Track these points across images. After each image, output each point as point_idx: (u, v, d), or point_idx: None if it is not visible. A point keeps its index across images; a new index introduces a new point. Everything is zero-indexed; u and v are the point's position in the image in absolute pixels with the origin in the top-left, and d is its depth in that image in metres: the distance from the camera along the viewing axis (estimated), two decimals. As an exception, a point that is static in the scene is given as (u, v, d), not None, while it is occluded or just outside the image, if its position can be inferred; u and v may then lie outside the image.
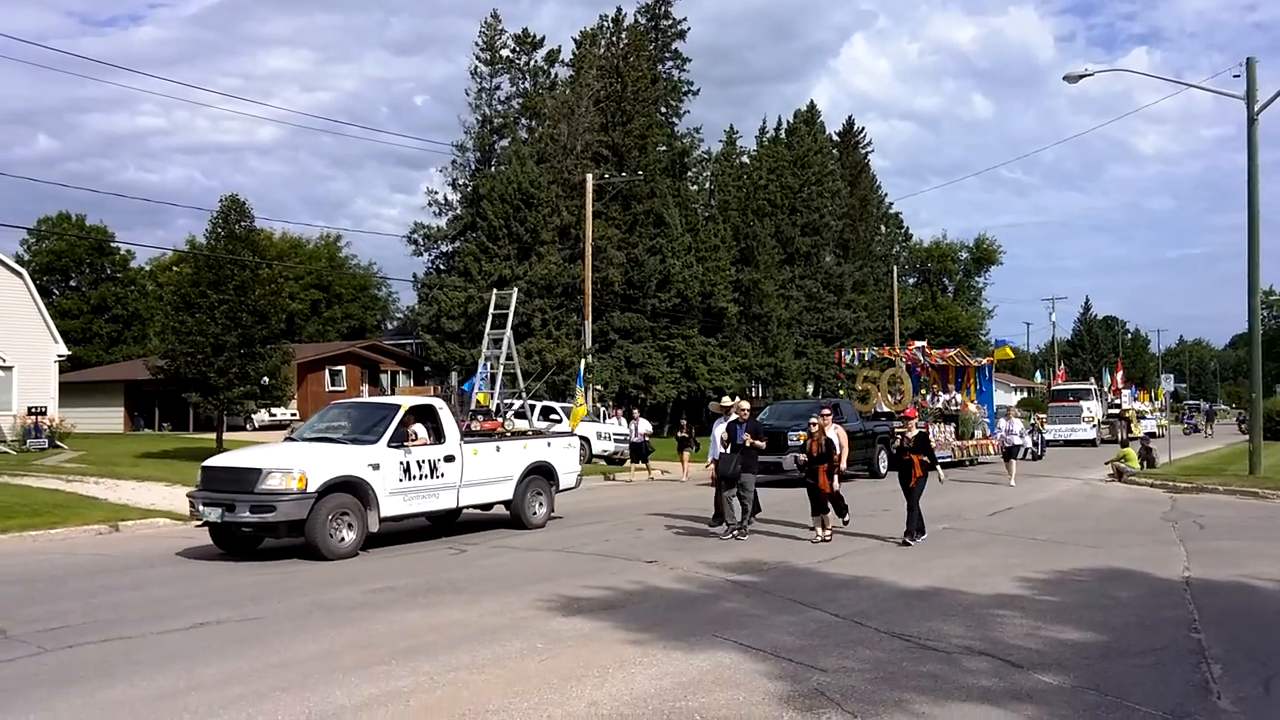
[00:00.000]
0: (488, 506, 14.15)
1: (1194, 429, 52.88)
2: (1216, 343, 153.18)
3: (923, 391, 27.97)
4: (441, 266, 45.01)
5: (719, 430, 14.18)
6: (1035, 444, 30.85)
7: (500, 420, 16.65)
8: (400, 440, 12.32)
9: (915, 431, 13.06)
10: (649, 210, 40.71)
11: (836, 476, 12.94)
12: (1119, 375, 46.59)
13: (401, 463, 12.21)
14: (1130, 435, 39.63)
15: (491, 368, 21.00)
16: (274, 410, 40.79)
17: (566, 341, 35.03)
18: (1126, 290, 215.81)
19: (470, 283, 35.31)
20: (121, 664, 6.94)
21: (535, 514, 14.24)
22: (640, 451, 24.78)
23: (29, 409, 28.73)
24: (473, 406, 18.50)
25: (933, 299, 78.91)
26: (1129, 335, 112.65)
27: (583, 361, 21.34)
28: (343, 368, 49.65)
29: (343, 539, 11.45)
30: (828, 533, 12.65)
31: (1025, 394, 72.29)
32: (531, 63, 45.12)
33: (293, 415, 44.53)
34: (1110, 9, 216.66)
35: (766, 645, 7.25)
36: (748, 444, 12.93)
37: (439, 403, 13.47)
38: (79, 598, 9.39)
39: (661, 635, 7.56)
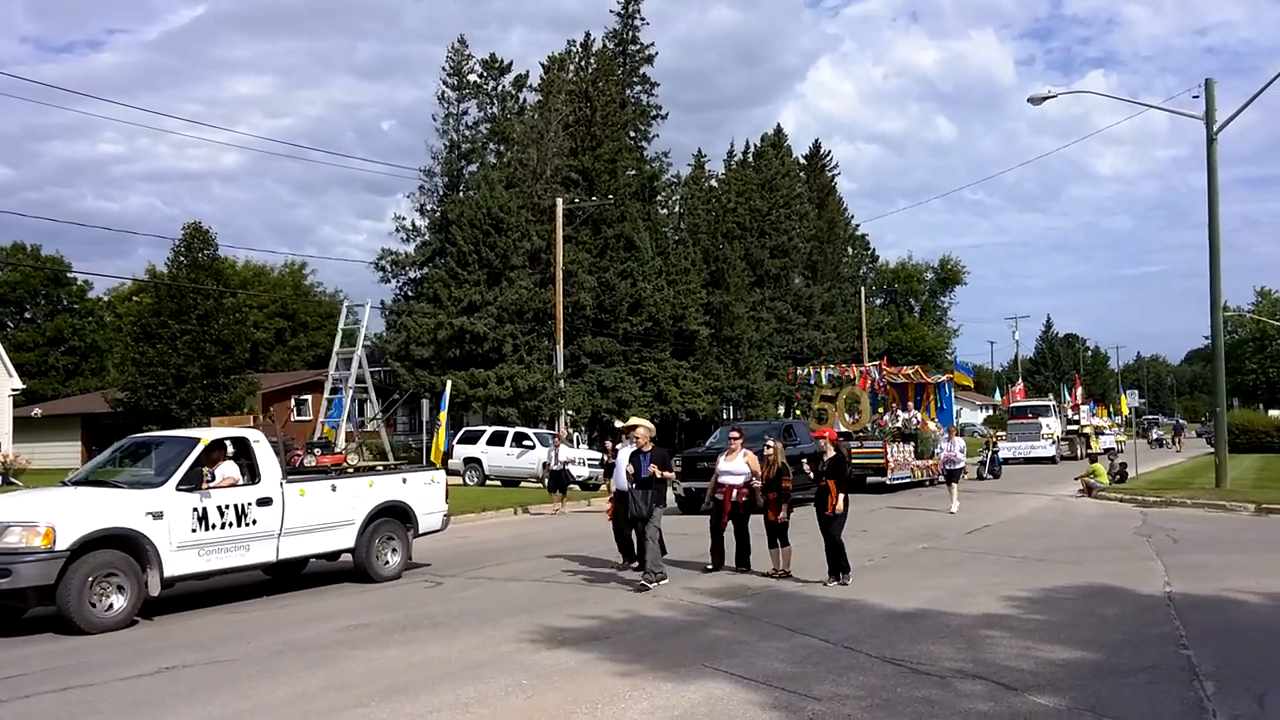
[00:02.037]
0: (331, 556, 12.07)
1: (1159, 443, 53.44)
2: (1173, 359, 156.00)
3: (880, 410, 27.45)
4: (410, 293, 44.63)
5: (623, 457, 12.27)
6: (988, 462, 30.62)
7: (344, 453, 14.15)
8: (195, 482, 10.22)
9: (831, 454, 11.35)
10: (619, 234, 40.68)
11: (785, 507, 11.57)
12: (1078, 391, 46.59)
13: (196, 509, 10.10)
14: (1089, 451, 39.80)
15: (339, 391, 17.66)
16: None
17: (538, 367, 34.79)
18: (1087, 308, 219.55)
19: (440, 309, 34.99)
20: (84, 714, 6.64)
21: (385, 564, 12.15)
22: (560, 480, 22.06)
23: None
24: (317, 436, 16.38)
25: (900, 319, 79.54)
26: (1089, 352, 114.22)
27: (448, 384, 18.74)
28: (309, 396, 48.96)
29: (110, 606, 9.39)
30: (787, 567, 11.58)
31: (991, 411, 72.92)
32: (499, 88, 45.07)
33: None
34: (1067, 33, 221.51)
35: (758, 674, 7.10)
36: (656, 476, 11.10)
37: (255, 434, 11.18)
38: (36, 642, 9.03)
39: (650, 666, 7.38)
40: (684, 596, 10.41)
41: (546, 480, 23.28)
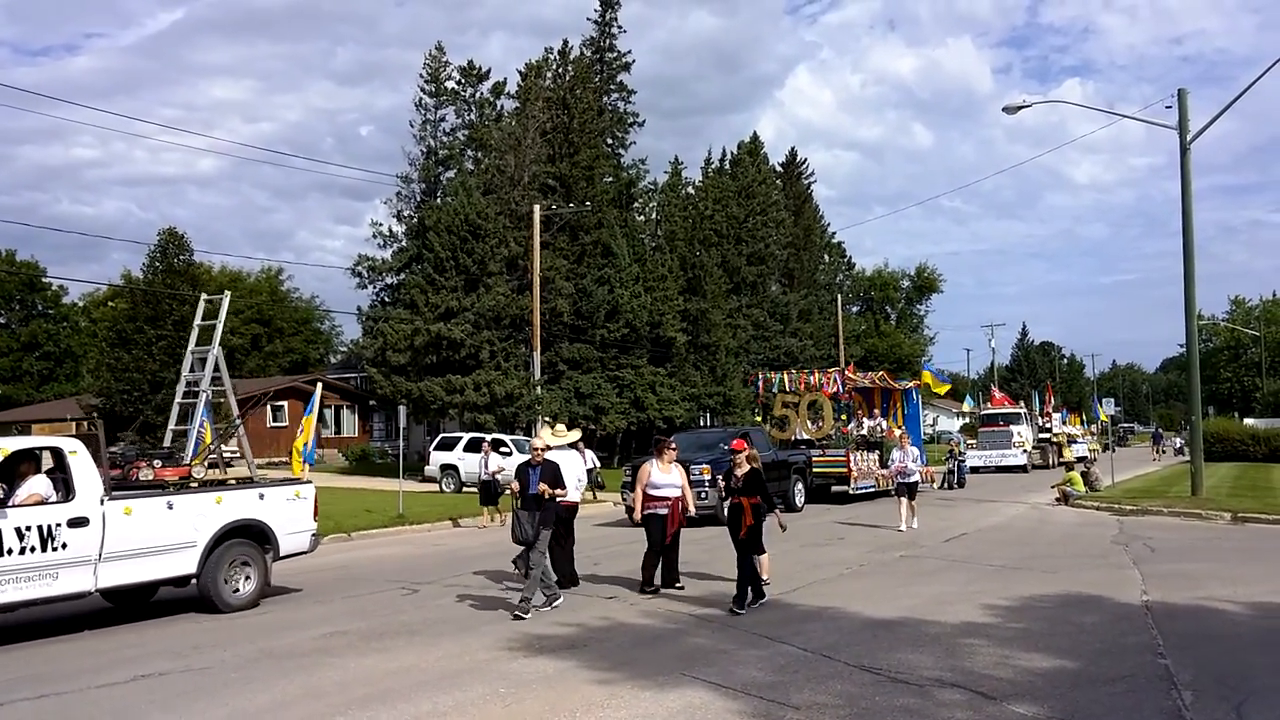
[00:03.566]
0: (182, 582, 10.57)
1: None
2: (1148, 366, 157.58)
3: (843, 417, 26.63)
4: (387, 299, 44.40)
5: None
6: (955, 472, 30.21)
7: (189, 465, 12.38)
8: None
9: (746, 469, 10.47)
10: (597, 241, 40.67)
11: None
12: (1049, 399, 46.29)
13: None
14: (1061, 460, 39.81)
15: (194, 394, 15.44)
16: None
17: (515, 373, 34.66)
18: (1063, 316, 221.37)
19: (417, 315, 34.80)
20: (58, 722, 6.54)
21: (236, 592, 10.70)
22: (490, 492, 20.55)
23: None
24: (192, 447, 13.91)
25: (876, 327, 79.94)
26: (1065, 360, 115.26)
27: (319, 385, 16.73)
28: (285, 403, 48.62)
29: None
30: (764, 576, 11.09)
31: (967, 419, 73.33)
32: (477, 95, 44.97)
33: (233, 453, 43.44)
34: (1044, 42, 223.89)
35: (737, 683, 7.08)
36: (544, 494, 9.96)
37: (72, 444, 9.72)
38: (7, 650, 8.90)
39: (629, 675, 7.35)
40: (662, 605, 10.39)
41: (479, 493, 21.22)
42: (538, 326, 34.24)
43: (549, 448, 10.79)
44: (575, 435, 12.34)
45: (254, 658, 8.34)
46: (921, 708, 6.44)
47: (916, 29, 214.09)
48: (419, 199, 44.08)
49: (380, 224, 45.01)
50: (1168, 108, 22.35)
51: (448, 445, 29.91)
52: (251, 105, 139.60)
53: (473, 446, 28.70)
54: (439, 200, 41.70)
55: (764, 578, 11.43)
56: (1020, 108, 23.35)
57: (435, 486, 28.80)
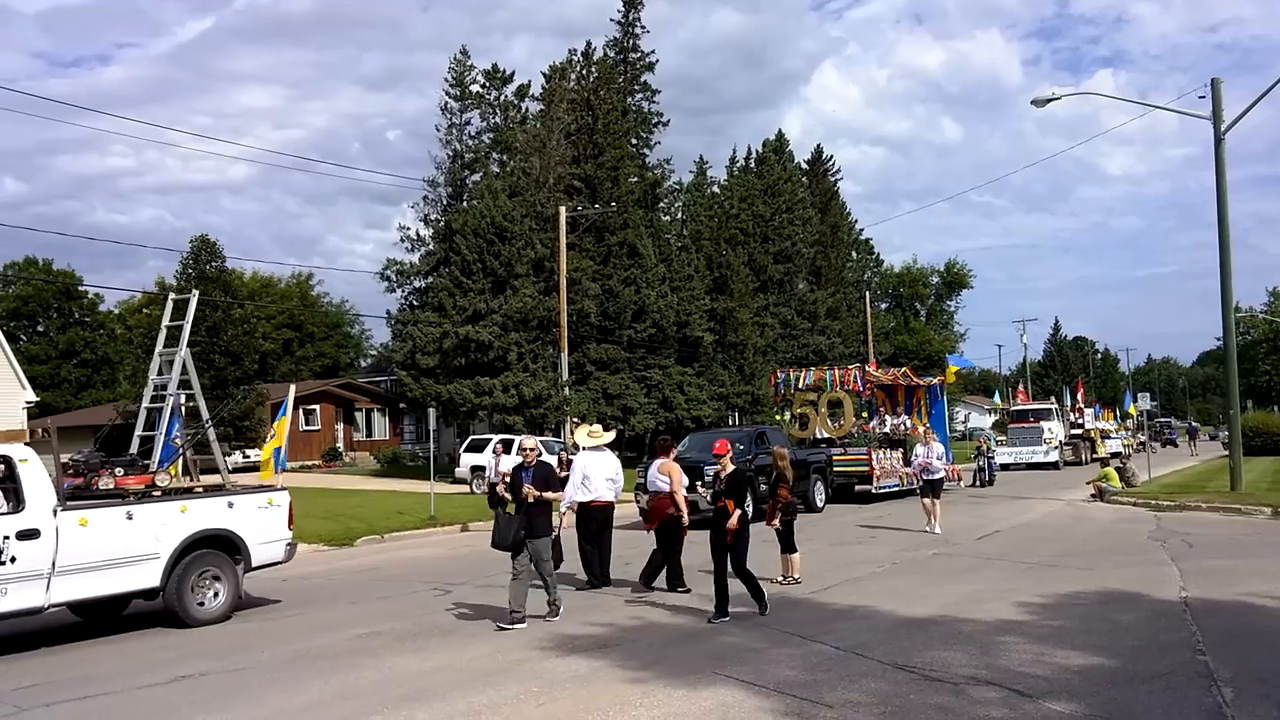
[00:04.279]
0: (151, 595, 9.98)
1: (1171, 443, 53.06)
2: (1184, 360, 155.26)
3: (863, 414, 26.03)
4: (415, 302, 44.72)
5: (581, 468, 11.63)
6: (983, 469, 29.61)
7: (153, 473, 11.38)
8: None
9: (729, 469, 9.87)
10: (622, 241, 40.71)
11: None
12: (1080, 394, 45.63)
13: None
14: (1095, 456, 39.19)
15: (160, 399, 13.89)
16: (248, 451, 40.30)
17: (543, 375, 34.77)
18: (1096, 310, 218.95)
19: (445, 318, 35.00)
20: (100, 723, 6.65)
21: (203, 605, 10.14)
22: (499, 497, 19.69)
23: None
24: (158, 454, 12.93)
25: (905, 323, 79.37)
26: (1098, 355, 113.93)
27: (291, 388, 16.00)
28: (316, 407, 49.10)
29: None
30: (796, 574, 11.44)
31: (999, 416, 72.67)
32: (502, 98, 45.21)
33: (248, 453, 43.91)
34: (1075, 33, 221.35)
35: (769, 681, 7.07)
36: (530, 498, 9.52)
37: (22, 451, 9.26)
38: (52, 653, 9.05)
39: (661, 673, 7.36)
40: (694, 603, 10.38)
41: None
42: (565, 328, 34.33)
43: (529, 447, 10.12)
44: (610, 436, 12.40)
45: (291, 658, 8.43)
46: (956, 706, 6.40)
47: (944, 22, 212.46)
48: (446, 203, 44.36)
49: (408, 228, 45.33)
50: (1200, 98, 22.10)
51: (477, 447, 30.14)
52: (281, 112, 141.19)
53: (502, 448, 28.87)
54: (465, 204, 41.96)
55: (795, 576, 11.45)
56: (1048, 100, 23.11)
57: (465, 488, 29.00)
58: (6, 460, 9.11)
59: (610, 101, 42.65)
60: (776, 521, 11.42)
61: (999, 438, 39.58)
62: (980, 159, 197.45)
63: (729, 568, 9.46)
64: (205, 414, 13.81)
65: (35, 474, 9.13)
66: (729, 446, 10.27)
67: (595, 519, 11.79)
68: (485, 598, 11.41)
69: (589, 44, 45.12)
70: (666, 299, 40.33)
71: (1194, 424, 71.18)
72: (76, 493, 10.02)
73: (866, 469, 23.48)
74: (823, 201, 60.91)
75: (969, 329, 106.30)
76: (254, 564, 10.76)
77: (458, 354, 34.34)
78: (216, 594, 10.35)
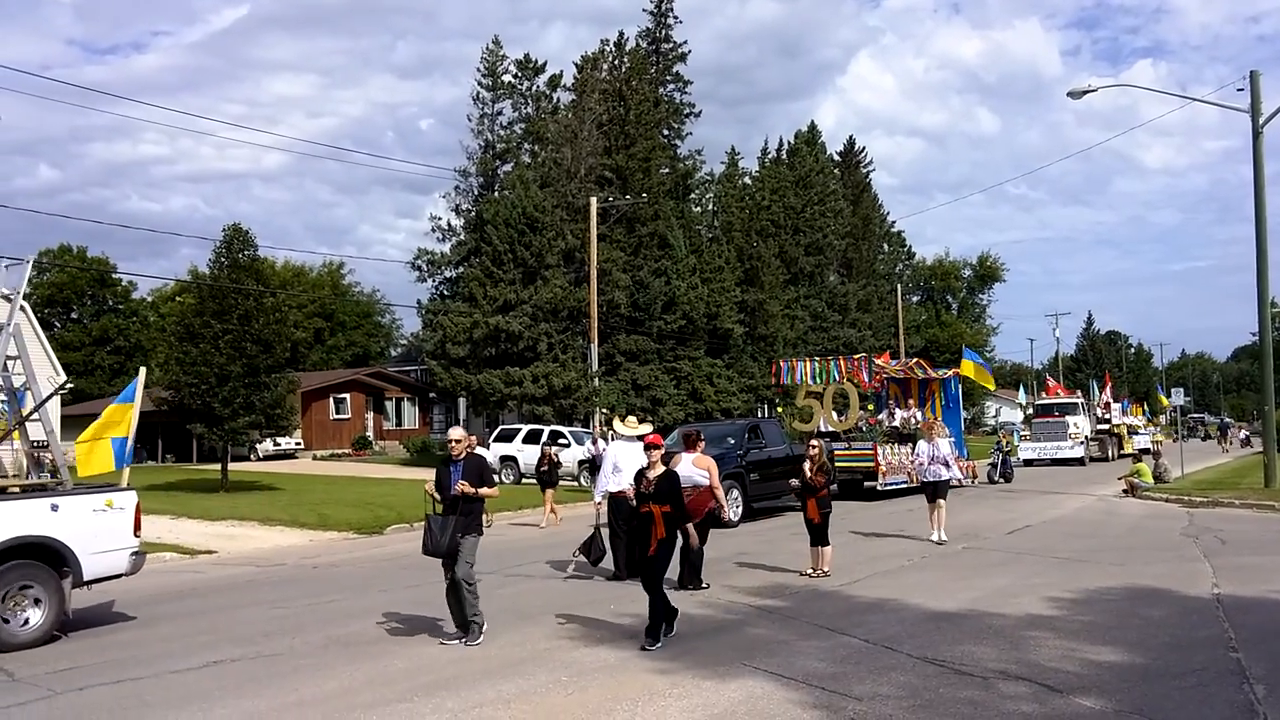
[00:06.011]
0: None
1: (1204, 437, 52.35)
2: (1219, 355, 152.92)
3: (869, 408, 24.64)
4: (446, 292, 45.00)
5: (613, 455, 11.79)
6: (999, 465, 28.22)
7: None
8: None
9: (659, 470, 8.58)
10: (653, 232, 40.68)
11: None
12: (1107, 389, 44.75)
13: None
14: (1122, 452, 38.51)
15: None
16: (279, 440, 40.74)
17: (573, 365, 34.87)
18: (1131, 304, 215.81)
19: (475, 308, 35.19)
20: (134, 706, 6.77)
21: (9, 624, 8.57)
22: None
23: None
24: None
25: (937, 316, 78.78)
26: (1132, 350, 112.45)
27: (141, 371, 11.06)
28: (347, 395, 49.57)
29: None
30: (826, 567, 11.39)
31: (1030, 410, 71.84)
32: (533, 88, 45.28)
33: (297, 444, 44.43)
34: (1114, 23, 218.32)
35: (798, 673, 7.08)
36: (461, 493, 8.38)
37: None
38: (86, 637, 9.22)
39: (690, 664, 7.39)
40: (722, 595, 10.41)
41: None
42: (595, 318, 34.37)
43: (456, 438, 8.92)
44: (647, 429, 12.37)
45: (322, 645, 8.53)
46: (985, 700, 6.38)
47: (982, 11, 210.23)
48: (477, 193, 44.53)
49: (439, 218, 45.59)
50: (1239, 90, 21.76)
51: (507, 437, 30.31)
52: (314, 100, 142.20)
53: (531, 438, 29.01)
54: (497, 194, 42.09)
55: (825, 569, 11.44)
56: (1085, 92, 22.86)
57: (496, 478, 29.13)
58: None
59: (642, 92, 42.57)
60: (816, 514, 11.39)
61: (1025, 432, 39.00)
62: (1016, 151, 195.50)
63: (652, 580, 8.26)
64: (33, 395, 11.30)
65: None
66: (663, 440, 9.23)
67: (625, 509, 11.82)
68: (514, 586, 11.52)
69: (621, 34, 45.06)
70: (697, 290, 40.29)
71: (1226, 420, 70.05)
72: None
73: (871, 465, 22.53)
74: (855, 194, 60.52)
75: (1001, 323, 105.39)
76: (86, 577, 9.20)
77: (488, 344, 34.51)
78: (39, 608, 8.77)
